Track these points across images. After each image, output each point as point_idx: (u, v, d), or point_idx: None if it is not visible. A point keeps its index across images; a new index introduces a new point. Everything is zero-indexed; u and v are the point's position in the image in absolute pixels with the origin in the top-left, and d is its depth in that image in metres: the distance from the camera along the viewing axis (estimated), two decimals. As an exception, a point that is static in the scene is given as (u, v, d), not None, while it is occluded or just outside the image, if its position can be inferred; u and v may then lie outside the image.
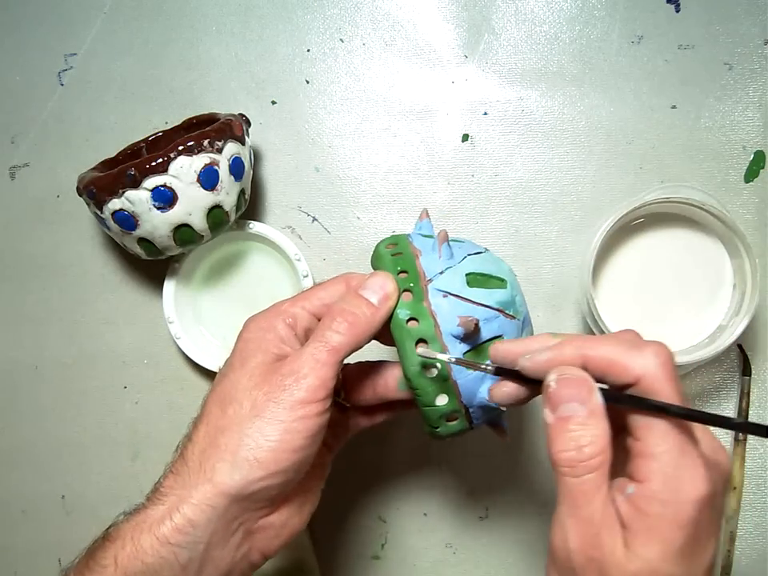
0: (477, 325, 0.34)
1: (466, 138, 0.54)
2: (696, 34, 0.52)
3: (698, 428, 0.29)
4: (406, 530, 0.53)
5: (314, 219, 0.55)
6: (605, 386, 0.30)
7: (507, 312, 0.36)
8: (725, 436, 0.51)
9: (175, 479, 0.33)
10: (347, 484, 0.53)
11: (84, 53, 0.56)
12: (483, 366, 0.34)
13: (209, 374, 0.54)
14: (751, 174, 0.52)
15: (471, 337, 0.35)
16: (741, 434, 0.50)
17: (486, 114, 0.54)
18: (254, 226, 0.52)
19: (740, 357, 0.51)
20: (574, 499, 0.28)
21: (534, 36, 0.53)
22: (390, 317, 0.35)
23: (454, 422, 0.37)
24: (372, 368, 0.39)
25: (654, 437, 0.28)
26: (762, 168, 0.52)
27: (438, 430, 0.37)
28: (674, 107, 0.52)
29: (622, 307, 0.50)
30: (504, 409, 0.35)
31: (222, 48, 0.55)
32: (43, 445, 0.56)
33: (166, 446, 0.54)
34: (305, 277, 0.51)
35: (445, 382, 0.35)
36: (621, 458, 0.29)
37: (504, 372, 0.34)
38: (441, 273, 0.36)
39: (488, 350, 0.35)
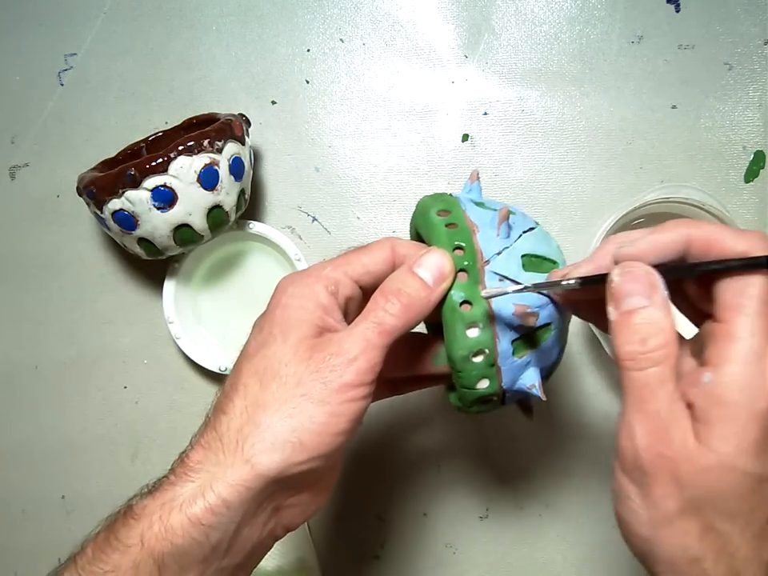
0: (536, 317, 0.33)
1: (465, 137, 0.54)
2: (696, 34, 0.52)
3: None
4: (406, 530, 0.53)
5: (314, 219, 0.55)
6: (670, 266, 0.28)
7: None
8: None
9: (206, 454, 0.31)
10: (347, 484, 0.53)
11: (84, 53, 0.56)
12: (564, 283, 0.31)
13: (209, 374, 0.54)
14: (751, 174, 0.52)
15: (525, 326, 0.33)
16: None
17: (486, 113, 0.54)
18: (254, 226, 0.52)
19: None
20: (639, 394, 0.27)
21: (534, 36, 0.53)
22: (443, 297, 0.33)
23: (488, 404, 0.36)
24: (406, 340, 0.35)
25: (741, 319, 0.26)
26: (762, 168, 0.52)
27: (470, 408, 0.36)
28: (674, 107, 0.52)
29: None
30: (544, 398, 0.34)
31: (222, 48, 0.55)
32: (43, 445, 0.56)
33: (165, 445, 0.55)
34: (305, 277, 0.51)
35: (490, 367, 0.34)
36: (697, 350, 0.28)
37: (590, 281, 0.31)
38: (498, 254, 0.34)
39: (535, 337, 0.34)
